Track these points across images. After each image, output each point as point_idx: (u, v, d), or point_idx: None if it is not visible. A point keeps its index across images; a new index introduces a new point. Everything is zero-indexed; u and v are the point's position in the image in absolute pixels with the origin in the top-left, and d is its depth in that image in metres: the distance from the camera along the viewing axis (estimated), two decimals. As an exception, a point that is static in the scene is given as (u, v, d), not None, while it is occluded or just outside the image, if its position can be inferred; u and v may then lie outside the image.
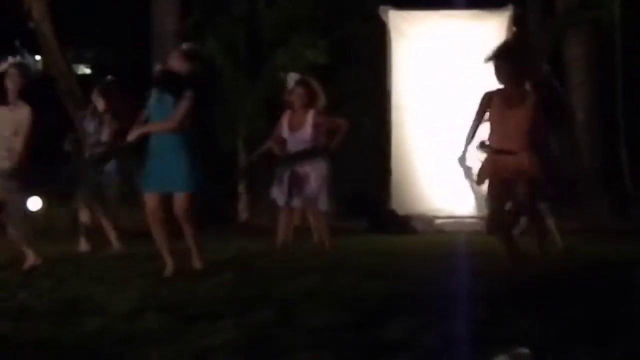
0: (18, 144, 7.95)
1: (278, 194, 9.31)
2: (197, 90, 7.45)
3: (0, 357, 4.59)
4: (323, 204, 9.25)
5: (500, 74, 7.33)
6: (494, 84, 7.49)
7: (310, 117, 9.18)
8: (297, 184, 9.20)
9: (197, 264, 7.71)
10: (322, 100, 9.29)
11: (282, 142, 9.35)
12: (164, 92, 7.48)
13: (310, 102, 9.22)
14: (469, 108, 7.64)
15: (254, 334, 4.96)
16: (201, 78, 7.65)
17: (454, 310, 5.52)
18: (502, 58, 7.35)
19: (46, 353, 4.60)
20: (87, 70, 19.28)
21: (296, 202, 9.33)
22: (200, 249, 7.78)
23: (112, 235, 9.64)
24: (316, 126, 9.20)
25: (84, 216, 9.69)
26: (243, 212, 14.25)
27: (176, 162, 7.45)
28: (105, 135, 9.63)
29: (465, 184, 8.42)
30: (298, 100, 9.21)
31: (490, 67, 7.36)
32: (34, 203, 8.60)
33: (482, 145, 7.44)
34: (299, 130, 9.23)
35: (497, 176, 7.31)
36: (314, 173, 9.18)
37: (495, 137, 7.32)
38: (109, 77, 10.04)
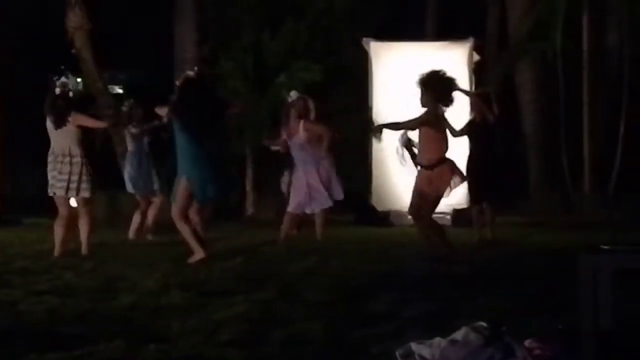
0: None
1: (297, 203, 9.11)
2: None
3: (49, 327, 4.57)
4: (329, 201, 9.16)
5: (420, 98, 7.21)
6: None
7: (301, 126, 9.16)
8: (310, 192, 9.10)
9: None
10: (312, 114, 9.27)
11: (286, 145, 9.34)
12: None
13: (304, 113, 9.20)
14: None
15: (260, 307, 4.95)
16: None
17: (425, 289, 5.52)
18: (422, 86, 7.18)
19: (87, 324, 4.57)
20: (120, 90, 19.20)
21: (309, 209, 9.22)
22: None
23: (147, 226, 9.50)
24: (307, 132, 9.16)
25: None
26: (250, 207, 14.22)
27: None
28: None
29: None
30: (296, 111, 9.18)
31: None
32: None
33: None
34: (295, 136, 9.20)
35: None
36: (322, 174, 9.14)
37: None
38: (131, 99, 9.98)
